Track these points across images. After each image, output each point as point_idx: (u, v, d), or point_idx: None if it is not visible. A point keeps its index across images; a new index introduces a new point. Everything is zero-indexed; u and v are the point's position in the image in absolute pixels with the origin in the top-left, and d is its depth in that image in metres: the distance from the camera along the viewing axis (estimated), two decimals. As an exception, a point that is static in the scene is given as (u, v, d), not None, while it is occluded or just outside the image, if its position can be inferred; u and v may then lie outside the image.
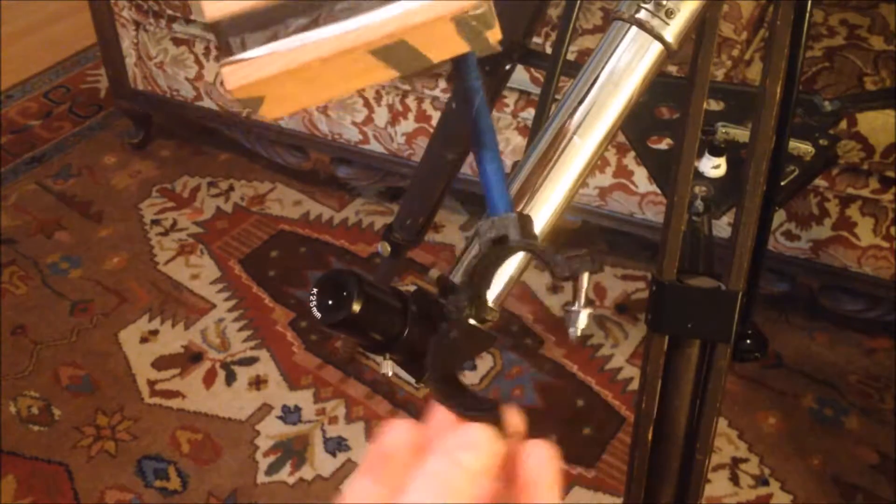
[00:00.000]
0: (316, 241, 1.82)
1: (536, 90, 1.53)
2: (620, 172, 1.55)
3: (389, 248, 1.27)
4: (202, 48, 1.83)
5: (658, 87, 0.96)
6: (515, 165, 0.52)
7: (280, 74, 0.32)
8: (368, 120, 1.72)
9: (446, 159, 0.97)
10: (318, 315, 0.39)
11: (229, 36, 0.32)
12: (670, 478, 0.71)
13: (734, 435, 1.47)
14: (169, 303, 1.70)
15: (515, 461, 0.37)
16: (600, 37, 0.56)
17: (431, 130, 1.66)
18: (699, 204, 0.85)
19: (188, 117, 1.98)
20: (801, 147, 0.92)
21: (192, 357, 1.60)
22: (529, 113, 1.57)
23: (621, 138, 1.13)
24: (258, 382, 1.56)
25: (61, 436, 1.47)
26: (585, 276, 0.39)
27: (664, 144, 1.04)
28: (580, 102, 0.50)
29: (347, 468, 1.43)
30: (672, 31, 0.51)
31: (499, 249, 0.39)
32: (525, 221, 0.39)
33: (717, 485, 1.40)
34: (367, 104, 1.71)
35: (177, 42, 1.85)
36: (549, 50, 1.14)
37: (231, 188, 1.95)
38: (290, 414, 1.51)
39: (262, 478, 1.42)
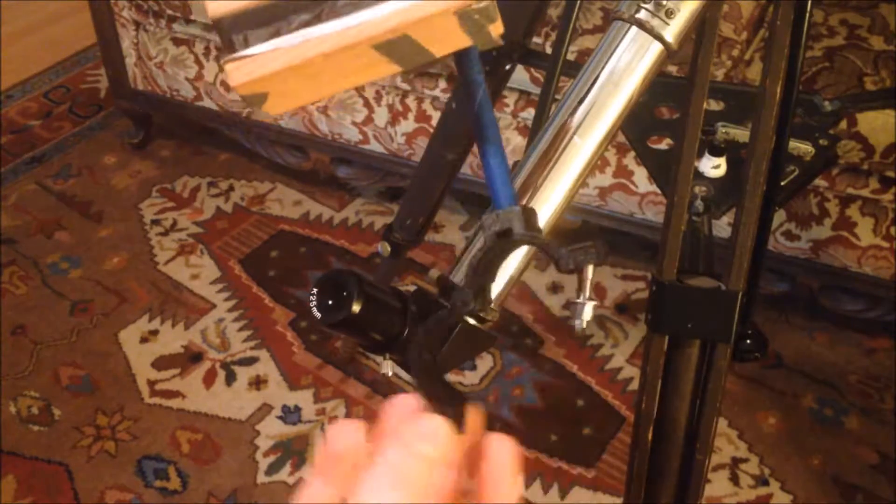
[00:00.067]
0: (316, 241, 1.82)
1: (536, 90, 1.53)
2: (620, 172, 1.55)
3: (389, 248, 1.26)
4: (202, 48, 1.83)
5: (658, 87, 0.96)
6: (516, 165, 0.52)
7: (283, 70, 0.32)
8: (368, 120, 1.72)
9: (446, 159, 0.97)
10: (318, 315, 0.39)
11: (232, 33, 0.33)
12: (670, 478, 0.71)
13: (734, 435, 1.47)
14: (169, 303, 1.70)
15: (477, 454, 0.37)
16: (600, 37, 0.56)
17: (431, 130, 1.66)
18: (699, 204, 0.85)
19: (188, 117, 1.98)
20: (801, 147, 0.92)
21: (192, 357, 1.60)
22: (529, 113, 1.57)
23: (621, 138, 1.13)
24: (258, 382, 1.56)
25: (61, 436, 1.47)
26: (590, 269, 0.39)
27: (664, 144, 1.04)
28: (580, 102, 0.50)
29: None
30: (672, 31, 0.51)
31: (503, 242, 0.39)
32: (529, 215, 0.39)
33: (717, 485, 1.40)
34: (367, 104, 1.71)
35: (177, 42, 1.85)
36: (549, 50, 1.14)
37: (231, 188, 1.95)
38: (290, 414, 1.51)
39: (262, 478, 1.42)
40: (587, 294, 0.40)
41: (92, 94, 2.24)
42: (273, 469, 1.43)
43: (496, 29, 0.33)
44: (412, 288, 0.42)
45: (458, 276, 0.45)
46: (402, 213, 1.24)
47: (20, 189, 1.96)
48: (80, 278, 1.75)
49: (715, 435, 0.70)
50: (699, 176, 0.90)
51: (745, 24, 1.46)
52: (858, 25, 1.46)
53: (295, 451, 1.45)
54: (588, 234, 0.40)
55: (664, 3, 0.50)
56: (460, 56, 0.37)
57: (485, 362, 1.58)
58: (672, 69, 1.28)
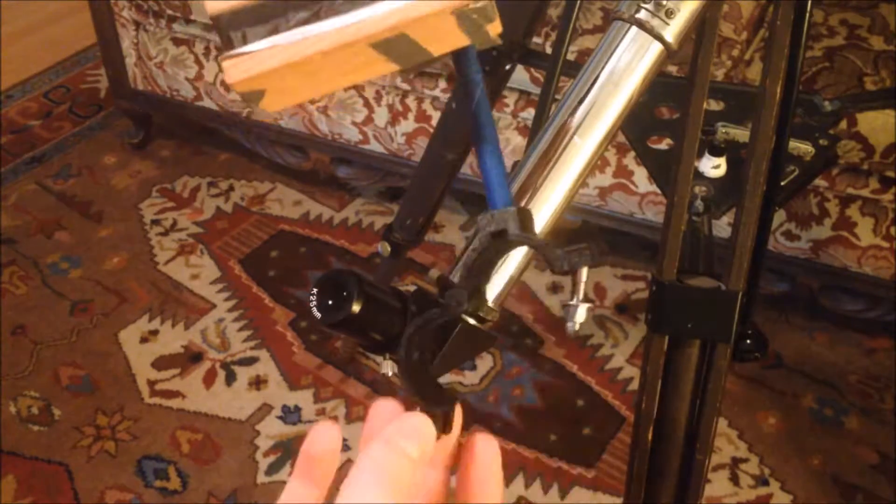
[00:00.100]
0: (316, 241, 1.82)
1: (536, 90, 1.53)
2: (620, 172, 1.55)
3: (389, 248, 1.26)
4: (202, 48, 1.83)
5: (658, 87, 0.96)
6: (515, 165, 0.52)
7: (281, 68, 0.32)
8: (368, 120, 1.72)
9: (446, 159, 0.97)
10: (318, 315, 0.39)
11: (230, 30, 0.33)
12: (670, 478, 0.71)
13: (734, 435, 1.47)
14: (169, 303, 1.70)
15: (462, 453, 0.37)
16: (600, 37, 0.56)
17: (431, 130, 1.66)
18: (699, 204, 0.85)
19: (188, 117, 1.98)
20: (801, 147, 0.92)
21: (192, 357, 1.60)
22: (529, 113, 1.57)
23: (621, 138, 1.13)
24: (258, 382, 1.56)
25: (61, 436, 1.47)
26: (584, 271, 0.39)
27: (664, 144, 1.04)
28: (580, 102, 0.50)
29: (347, 468, 1.43)
30: (672, 31, 0.51)
31: (498, 243, 0.39)
32: (525, 215, 0.39)
33: (717, 485, 1.40)
34: (367, 104, 1.71)
35: (177, 42, 1.85)
36: (549, 50, 1.14)
37: (231, 188, 1.95)
38: (290, 414, 1.51)
39: (262, 478, 1.42)
40: (581, 296, 0.40)
41: (92, 94, 2.24)
42: (273, 469, 1.43)
43: (494, 29, 0.33)
44: (412, 288, 0.42)
45: (458, 276, 0.45)
46: (402, 213, 1.24)
47: (20, 189, 1.96)
48: (80, 278, 1.75)
49: (715, 435, 0.70)
50: (699, 176, 0.90)
51: (745, 24, 1.46)
52: (858, 25, 1.46)
53: (295, 451, 1.45)
54: (588, 234, 0.40)
55: (664, 3, 0.50)
56: (458, 55, 0.37)
57: (485, 362, 1.58)
58: (672, 69, 1.28)
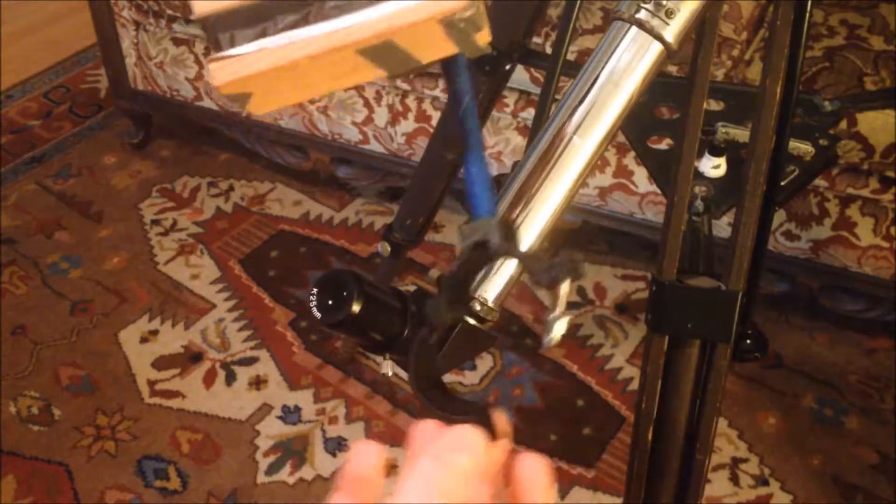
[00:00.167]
0: (316, 241, 1.82)
1: (536, 90, 1.53)
2: (620, 172, 1.55)
3: (389, 248, 1.27)
4: (202, 48, 1.83)
5: (658, 87, 0.96)
6: (515, 165, 0.52)
7: (268, 71, 0.32)
8: (368, 120, 1.72)
9: (446, 159, 0.97)
10: (318, 315, 0.39)
11: (218, 32, 0.32)
12: (670, 478, 0.71)
13: (734, 435, 1.47)
14: (169, 303, 1.70)
15: (510, 470, 0.36)
16: (600, 37, 0.56)
17: (431, 130, 1.66)
18: (699, 204, 0.85)
19: (188, 117, 1.98)
20: (801, 147, 0.92)
21: (192, 357, 1.60)
22: (529, 113, 1.57)
23: (621, 138, 1.13)
24: (258, 382, 1.56)
25: (61, 436, 1.47)
26: (566, 285, 0.39)
27: (664, 144, 1.04)
28: (580, 102, 0.50)
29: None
30: (672, 31, 0.51)
31: (479, 253, 0.38)
32: (507, 226, 0.39)
33: (717, 485, 1.40)
34: (367, 104, 1.71)
35: (177, 42, 1.85)
36: (549, 50, 1.14)
37: (231, 188, 1.95)
38: (290, 414, 1.51)
39: (262, 478, 1.42)
40: (561, 309, 0.39)
41: (92, 94, 2.24)
42: (273, 469, 1.43)
43: (483, 38, 0.33)
44: (412, 288, 0.42)
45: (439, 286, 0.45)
46: (402, 213, 1.24)
47: (20, 189, 1.96)
48: (80, 278, 1.75)
49: (715, 435, 0.70)
50: (699, 176, 0.90)
51: (745, 24, 1.46)
52: (858, 25, 1.46)
53: (295, 451, 1.45)
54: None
55: (664, 3, 0.50)
56: (447, 63, 0.37)
57: (485, 362, 1.58)
58: (672, 69, 1.28)
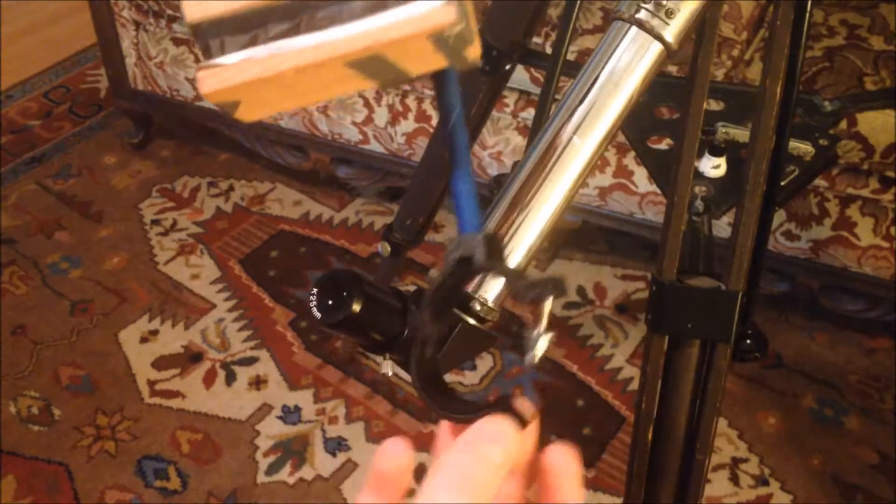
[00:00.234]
0: (316, 241, 1.82)
1: (536, 90, 1.53)
2: (620, 172, 1.55)
3: (389, 248, 1.27)
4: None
5: (658, 87, 0.96)
6: (515, 165, 0.52)
7: (255, 81, 0.32)
8: (368, 120, 1.72)
9: (446, 159, 0.97)
10: (318, 315, 0.39)
11: (209, 38, 0.32)
12: (670, 478, 0.71)
13: (734, 435, 1.47)
14: (169, 303, 1.70)
15: (538, 461, 0.36)
16: (600, 37, 0.56)
17: (431, 130, 1.66)
18: (699, 204, 0.85)
19: (188, 117, 1.98)
20: (801, 147, 0.92)
21: (192, 357, 1.60)
22: (529, 113, 1.57)
23: (621, 138, 1.13)
24: (258, 382, 1.56)
25: (61, 436, 1.47)
26: (548, 303, 0.39)
27: (664, 144, 1.04)
28: (580, 102, 0.50)
29: (347, 468, 1.43)
30: (672, 31, 0.51)
31: (463, 269, 0.38)
32: (493, 242, 0.39)
33: (717, 485, 1.40)
34: (367, 104, 1.71)
35: (177, 42, 1.85)
36: (549, 50, 1.14)
37: (231, 188, 1.95)
38: (290, 414, 1.51)
39: (262, 478, 1.42)
40: (543, 328, 0.39)
41: (92, 94, 2.24)
42: (273, 469, 1.43)
43: (473, 52, 0.33)
44: (412, 288, 0.42)
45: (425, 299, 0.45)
46: (402, 213, 1.24)
47: (20, 189, 1.96)
48: (80, 278, 1.75)
49: (715, 435, 0.70)
50: (699, 176, 0.90)
51: (745, 24, 1.46)
52: (858, 25, 1.46)
53: (295, 451, 1.45)
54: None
55: (664, 3, 0.50)
56: (437, 77, 0.37)
57: (485, 362, 1.58)
58: (672, 69, 1.28)
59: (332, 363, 1.59)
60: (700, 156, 0.90)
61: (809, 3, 0.77)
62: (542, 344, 0.39)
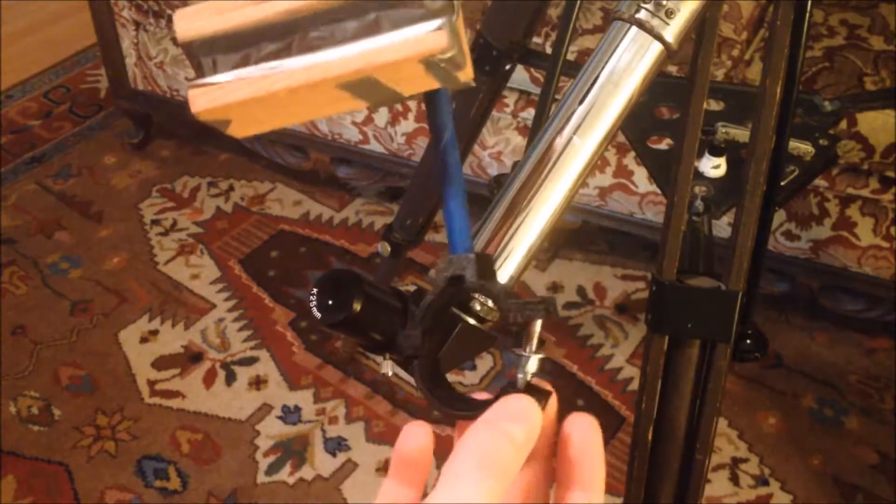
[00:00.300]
0: (316, 241, 1.82)
1: (536, 90, 1.53)
2: (620, 172, 1.55)
3: (389, 248, 1.27)
4: (202, 48, 1.83)
5: (658, 87, 0.96)
6: (515, 165, 0.52)
7: (246, 101, 0.32)
8: (368, 120, 1.72)
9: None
10: (318, 315, 0.39)
11: (201, 56, 0.33)
12: (670, 478, 0.71)
13: (734, 435, 1.47)
14: (169, 303, 1.70)
15: (558, 434, 0.36)
16: (600, 37, 0.56)
17: (431, 130, 1.65)
18: (699, 204, 0.85)
19: (188, 117, 1.97)
20: (801, 147, 0.92)
21: (192, 357, 1.60)
22: (529, 113, 1.57)
23: (621, 138, 1.13)
24: (258, 382, 1.56)
25: (61, 436, 1.47)
26: (538, 323, 0.39)
27: (664, 144, 1.04)
28: (580, 102, 0.50)
29: (347, 468, 1.43)
30: (672, 31, 0.51)
31: (454, 289, 0.39)
32: (484, 262, 0.39)
33: (717, 485, 1.40)
34: (367, 104, 1.71)
35: (177, 42, 1.85)
36: (549, 50, 1.14)
37: (231, 188, 1.95)
38: (290, 414, 1.51)
39: (262, 478, 1.42)
40: (533, 347, 0.40)
41: (92, 94, 2.24)
42: (273, 469, 1.43)
43: (465, 75, 0.33)
44: (412, 288, 0.42)
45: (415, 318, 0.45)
46: (402, 213, 1.24)
47: (20, 189, 1.96)
48: (80, 278, 1.75)
49: (715, 435, 0.70)
50: (699, 176, 0.90)
51: (745, 24, 1.46)
52: (858, 25, 1.46)
53: (295, 451, 1.45)
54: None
55: (664, 3, 0.50)
56: (429, 97, 0.37)
57: (485, 362, 1.58)
58: (672, 69, 1.28)
59: (332, 363, 1.59)
60: (700, 156, 0.90)
61: (809, 3, 0.77)
62: (532, 364, 0.39)
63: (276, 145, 1.89)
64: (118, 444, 1.46)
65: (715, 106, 0.98)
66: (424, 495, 0.33)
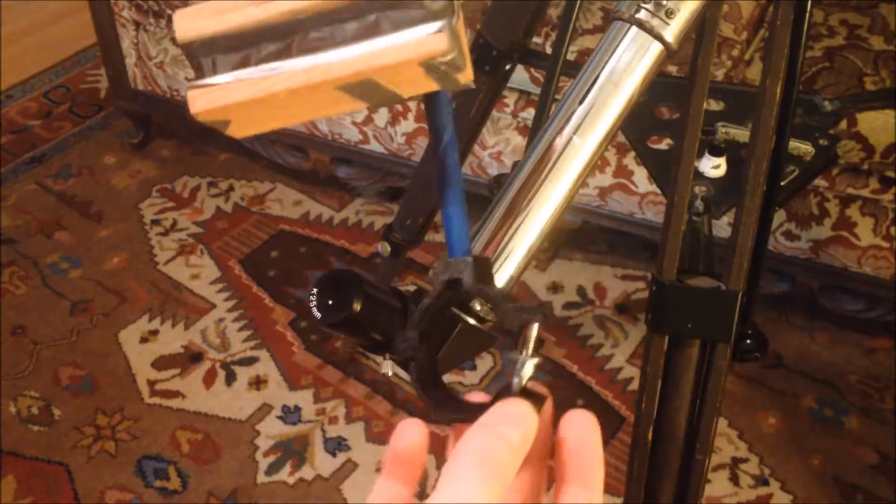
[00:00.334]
0: (316, 241, 1.82)
1: (536, 90, 1.53)
2: (620, 172, 1.55)
3: (389, 248, 1.27)
4: (202, 48, 1.83)
5: (658, 87, 0.96)
6: (515, 165, 0.52)
7: (246, 101, 0.32)
8: (368, 120, 1.72)
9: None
10: (318, 315, 0.39)
11: (201, 57, 0.33)
12: (670, 478, 0.71)
13: (734, 435, 1.47)
14: (169, 303, 1.70)
15: (556, 433, 0.36)
16: (600, 37, 0.56)
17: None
18: (699, 204, 0.85)
19: (188, 117, 1.97)
20: (801, 147, 0.92)
21: (192, 357, 1.60)
22: (529, 113, 1.57)
23: (621, 138, 1.13)
24: (258, 382, 1.56)
25: (61, 436, 1.47)
26: (534, 328, 0.40)
27: (664, 144, 1.04)
28: (580, 102, 0.50)
29: (347, 468, 1.43)
30: (672, 31, 0.51)
31: (451, 292, 0.39)
32: (482, 265, 0.39)
33: (717, 485, 1.40)
34: (367, 104, 1.71)
35: (177, 42, 1.85)
36: (549, 50, 1.14)
37: (231, 188, 1.95)
38: (290, 414, 1.51)
39: (262, 478, 1.42)
40: (529, 351, 0.40)
41: (92, 94, 2.24)
42: (273, 469, 1.43)
43: (465, 77, 0.33)
44: (412, 288, 0.42)
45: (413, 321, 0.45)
46: (402, 213, 1.24)
47: (20, 189, 1.96)
48: (80, 278, 1.75)
49: (715, 435, 0.70)
50: (699, 176, 0.90)
51: (745, 24, 1.46)
52: (858, 25, 1.46)
53: (295, 451, 1.45)
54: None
55: (664, 3, 0.50)
56: (428, 99, 0.37)
57: (485, 362, 1.58)
58: (672, 69, 1.28)
59: (332, 363, 1.59)
60: (700, 156, 0.90)
61: (809, 3, 0.77)
62: (528, 369, 0.39)
63: (276, 145, 1.89)
64: (118, 444, 1.46)
65: (715, 106, 0.98)
66: (419, 494, 0.33)
